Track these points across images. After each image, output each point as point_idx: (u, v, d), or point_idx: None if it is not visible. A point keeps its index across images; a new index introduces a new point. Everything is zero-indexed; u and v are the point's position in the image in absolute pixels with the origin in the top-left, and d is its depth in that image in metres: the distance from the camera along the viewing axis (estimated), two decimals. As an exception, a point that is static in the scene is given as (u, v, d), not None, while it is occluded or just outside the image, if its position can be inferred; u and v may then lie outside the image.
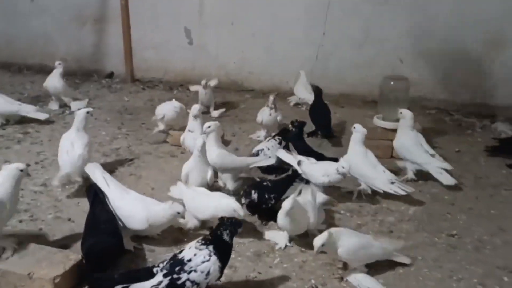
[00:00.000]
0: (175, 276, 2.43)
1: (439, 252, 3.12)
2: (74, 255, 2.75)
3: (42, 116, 4.93)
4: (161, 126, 4.67)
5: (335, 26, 5.82)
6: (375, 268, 2.91)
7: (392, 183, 3.58)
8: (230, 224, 2.58)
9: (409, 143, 3.99)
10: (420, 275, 2.88)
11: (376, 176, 3.62)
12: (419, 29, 5.60)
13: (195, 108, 4.06)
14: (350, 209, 3.61)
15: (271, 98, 4.56)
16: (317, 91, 5.06)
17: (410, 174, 3.99)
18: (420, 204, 3.71)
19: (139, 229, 3.04)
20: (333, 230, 2.76)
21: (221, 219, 2.64)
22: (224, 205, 3.04)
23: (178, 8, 6.31)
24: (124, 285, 2.43)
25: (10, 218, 2.98)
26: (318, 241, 2.66)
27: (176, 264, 2.48)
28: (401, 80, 4.63)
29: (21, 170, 2.89)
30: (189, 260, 2.47)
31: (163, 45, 6.47)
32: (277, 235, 3.17)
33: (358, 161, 3.64)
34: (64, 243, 3.07)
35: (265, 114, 4.57)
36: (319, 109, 4.91)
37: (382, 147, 4.44)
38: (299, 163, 3.63)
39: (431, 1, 5.51)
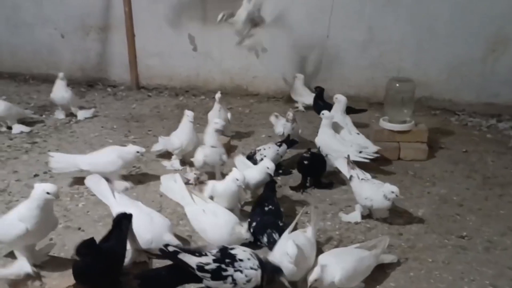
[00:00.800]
0: (223, 266, 2.49)
1: (449, 253, 3.11)
2: (85, 264, 2.77)
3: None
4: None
5: (338, 28, 5.82)
6: (385, 271, 2.91)
7: (360, 152, 4.01)
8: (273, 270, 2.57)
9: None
10: (431, 277, 2.87)
11: (346, 150, 3.93)
12: (423, 29, 5.59)
13: (220, 123, 3.91)
14: (359, 213, 3.61)
15: (291, 114, 4.50)
16: (319, 91, 5.22)
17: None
18: (428, 206, 3.71)
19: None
20: (323, 261, 2.61)
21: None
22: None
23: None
24: (175, 249, 2.54)
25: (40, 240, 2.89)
26: (313, 276, 2.50)
27: (228, 257, 2.53)
28: (407, 82, 4.63)
29: (48, 193, 2.66)
30: (241, 260, 2.52)
31: (167, 52, 6.49)
32: None
33: (328, 141, 4.12)
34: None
35: (286, 128, 4.45)
36: (323, 107, 4.90)
37: (389, 149, 4.45)
38: (350, 178, 3.53)
39: (434, 1, 5.51)
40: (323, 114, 4.25)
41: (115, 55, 6.68)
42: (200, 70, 6.42)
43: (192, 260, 2.49)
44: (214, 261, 2.50)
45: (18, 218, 2.67)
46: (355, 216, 3.50)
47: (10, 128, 5.04)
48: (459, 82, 5.67)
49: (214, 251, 2.57)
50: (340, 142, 4.16)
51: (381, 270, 2.93)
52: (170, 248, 2.55)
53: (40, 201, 2.66)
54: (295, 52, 6.07)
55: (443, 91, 5.75)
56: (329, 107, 4.66)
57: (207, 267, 2.48)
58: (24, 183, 4.00)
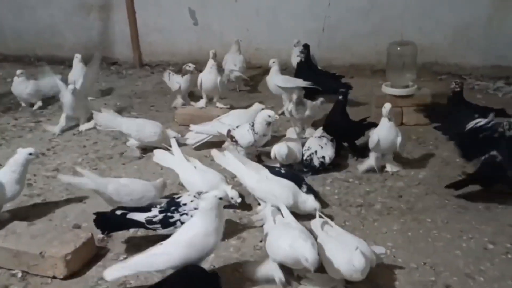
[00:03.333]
0: (169, 214, 2.75)
1: (448, 213, 3.09)
2: (84, 233, 2.82)
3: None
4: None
5: (339, -5, 5.72)
6: (382, 233, 2.90)
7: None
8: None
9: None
10: (429, 236, 2.86)
11: None
12: (426, -8, 5.46)
13: (273, 115, 3.58)
14: (358, 177, 3.59)
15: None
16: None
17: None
18: (430, 169, 3.67)
19: None
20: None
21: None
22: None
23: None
24: (123, 211, 2.76)
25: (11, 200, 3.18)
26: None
27: (172, 205, 2.79)
28: (408, 45, 4.53)
29: (30, 154, 3.16)
30: (185, 204, 2.78)
31: (168, 27, 6.46)
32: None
33: None
34: (76, 223, 3.14)
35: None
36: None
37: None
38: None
39: (437, -38, 5.36)
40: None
41: (117, 33, 6.68)
42: (202, 44, 6.36)
43: (140, 217, 2.74)
44: (160, 212, 2.76)
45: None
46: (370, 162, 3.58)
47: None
48: (465, 45, 5.53)
49: (163, 204, 2.83)
50: None
51: (378, 232, 2.92)
52: (118, 212, 2.78)
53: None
54: (297, 23, 5.98)
55: (449, 55, 5.62)
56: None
57: (155, 219, 2.74)
58: (28, 159, 4.06)
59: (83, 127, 4.60)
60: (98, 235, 2.92)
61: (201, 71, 4.90)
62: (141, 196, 3.05)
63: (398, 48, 4.49)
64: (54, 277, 2.63)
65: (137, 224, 2.76)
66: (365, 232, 2.93)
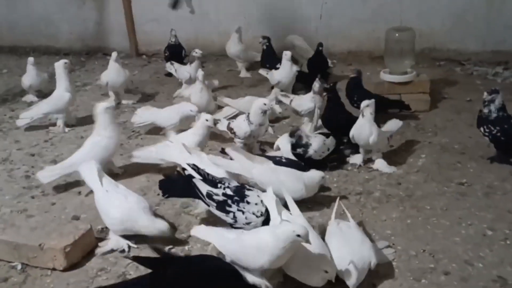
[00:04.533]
0: (229, 201, 2.65)
1: (448, 200, 3.08)
2: (83, 225, 2.82)
3: None
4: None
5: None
6: (381, 221, 2.90)
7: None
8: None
9: None
10: (428, 223, 2.86)
11: None
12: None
13: (268, 104, 3.57)
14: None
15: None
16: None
17: None
18: (429, 155, 3.67)
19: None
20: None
21: None
22: None
23: (176, -23, 6.19)
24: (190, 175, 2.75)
25: None
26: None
27: (238, 195, 2.67)
28: (406, 31, 4.49)
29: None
30: (248, 203, 2.64)
31: (164, 17, 6.39)
32: None
33: None
34: (75, 215, 3.13)
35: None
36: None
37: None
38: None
39: None
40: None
41: (112, 23, 6.62)
42: (199, 34, 6.33)
43: (203, 187, 2.68)
44: (223, 194, 2.66)
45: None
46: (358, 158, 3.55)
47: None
48: (463, 30, 5.49)
49: (233, 185, 2.71)
50: None
51: (377, 220, 2.92)
52: (187, 172, 2.77)
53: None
54: (294, 10, 5.93)
55: (447, 41, 5.59)
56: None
57: (215, 197, 2.66)
58: (25, 151, 4.04)
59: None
60: (98, 226, 2.92)
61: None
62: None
63: (396, 34, 4.45)
64: (54, 269, 2.63)
65: (196, 193, 2.72)
66: (364, 220, 2.92)
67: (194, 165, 2.85)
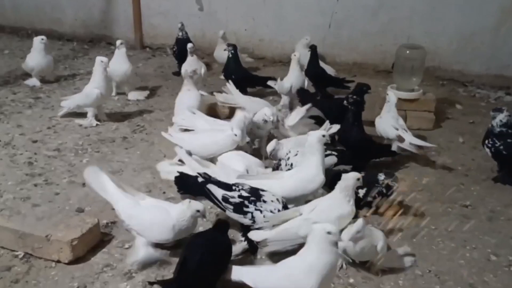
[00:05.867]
0: (246, 202, 2.69)
1: (452, 222, 3.11)
2: (90, 218, 2.77)
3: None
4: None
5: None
6: (387, 237, 2.92)
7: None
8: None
9: None
10: (433, 244, 2.89)
11: None
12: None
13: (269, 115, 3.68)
14: (363, 179, 3.59)
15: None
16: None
17: None
18: (433, 175, 3.70)
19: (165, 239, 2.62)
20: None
21: None
22: None
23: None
24: (205, 180, 2.78)
25: None
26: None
27: (254, 195, 2.71)
28: (417, 49, 4.54)
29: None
30: (265, 201, 2.70)
31: (172, 11, 6.36)
32: None
33: None
34: (79, 207, 3.09)
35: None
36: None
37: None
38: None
39: (446, -33, 5.36)
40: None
41: (119, 12, 6.57)
42: (206, 31, 6.31)
43: (218, 192, 2.72)
44: (239, 196, 2.70)
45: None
46: None
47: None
48: (469, 52, 5.56)
49: (247, 187, 2.75)
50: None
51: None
52: (200, 179, 2.80)
53: None
54: (303, 16, 5.95)
55: (453, 61, 5.66)
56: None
57: (231, 200, 2.70)
58: (28, 137, 3.98)
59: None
60: (103, 220, 2.89)
61: (203, 58, 4.82)
62: None
63: (407, 52, 4.49)
64: (58, 261, 2.59)
65: (211, 197, 2.73)
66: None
67: (205, 173, 2.87)
